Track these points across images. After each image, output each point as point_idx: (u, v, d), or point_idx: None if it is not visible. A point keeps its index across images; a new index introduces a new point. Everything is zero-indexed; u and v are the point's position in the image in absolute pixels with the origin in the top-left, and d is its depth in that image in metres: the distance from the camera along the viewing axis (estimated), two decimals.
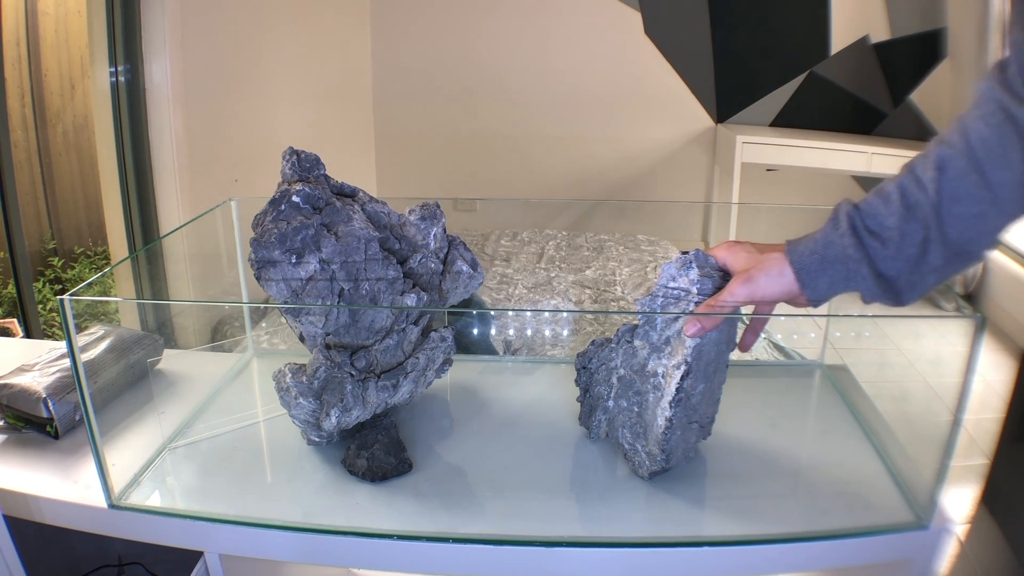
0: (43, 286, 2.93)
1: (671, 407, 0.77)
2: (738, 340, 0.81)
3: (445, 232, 0.93)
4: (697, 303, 0.76)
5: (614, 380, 0.86)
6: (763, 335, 2.85)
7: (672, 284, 0.78)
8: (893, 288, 0.68)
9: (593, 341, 0.88)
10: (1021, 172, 0.63)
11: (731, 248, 0.77)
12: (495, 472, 0.88)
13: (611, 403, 0.87)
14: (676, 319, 0.77)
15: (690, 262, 0.77)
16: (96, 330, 1.04)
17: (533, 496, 0.84)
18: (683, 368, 0.76)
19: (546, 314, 2.29)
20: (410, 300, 0.85)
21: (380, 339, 0.85)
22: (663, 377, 0.78)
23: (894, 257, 0.67)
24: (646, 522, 0.79)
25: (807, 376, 1.12)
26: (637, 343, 0.82)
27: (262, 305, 1.29)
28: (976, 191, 0.64)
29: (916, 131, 3.72)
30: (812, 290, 0.70)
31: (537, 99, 3.99)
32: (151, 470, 0.88)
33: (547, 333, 2.22)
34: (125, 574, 1.13)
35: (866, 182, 3.86)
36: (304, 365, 0.85)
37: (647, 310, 0.80)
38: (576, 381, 0.90)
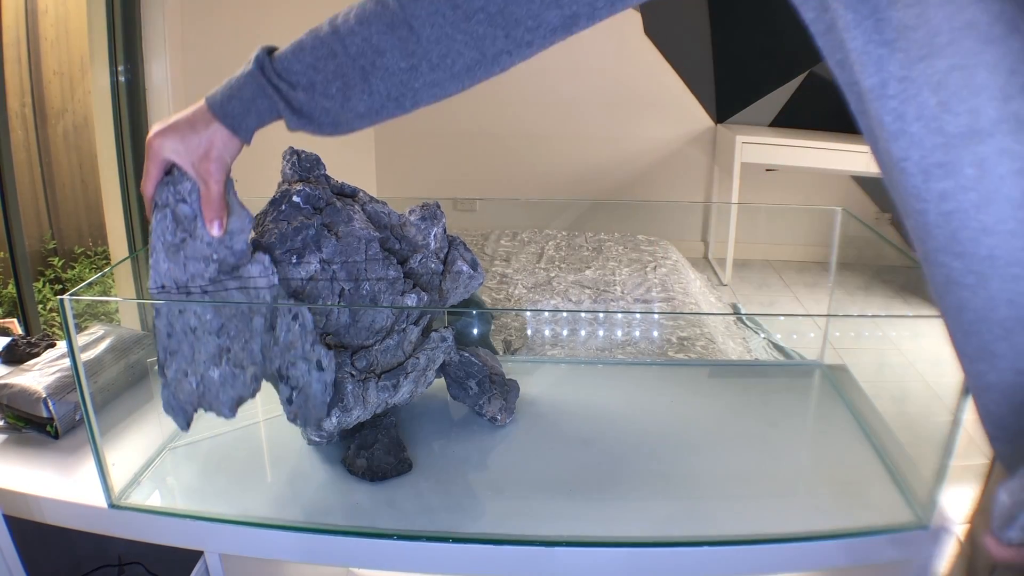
0: (43, 286, 2.93)
1: None
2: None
3: (445, 232, 0.93)
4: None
5: None
6: (762, 334, 2.84)
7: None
8: (315, 123, 0.69)
9: None
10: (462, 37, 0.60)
11: (164, 140, 0.71)
12: (495, 472, 0.88)
13: None
14: None
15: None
16: (96, 330, 1.04)
17: (533, 496, 0.84)
18: None
19: (546, 314, 2.29)
20: (410, 300, 0.85)
21: (380, 339, 0.85)
22: None
23: (309, 102, 0.67)
24: (646, 522, 0.79)
25: (807, 376, 1.12)
26: None
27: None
28: (404, 45, 0.62)
29: None
30: (244, 131, 0.71)
31: (537, 99, 3.98)
32: (151, 470, 0.88)
33: (547, 333, 2.22)
34: (125, 574, 1.13)
35: (866, 182, 3.86)
36: None
37: None
38: None
